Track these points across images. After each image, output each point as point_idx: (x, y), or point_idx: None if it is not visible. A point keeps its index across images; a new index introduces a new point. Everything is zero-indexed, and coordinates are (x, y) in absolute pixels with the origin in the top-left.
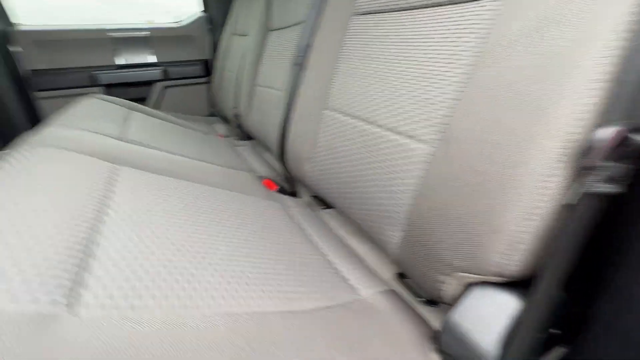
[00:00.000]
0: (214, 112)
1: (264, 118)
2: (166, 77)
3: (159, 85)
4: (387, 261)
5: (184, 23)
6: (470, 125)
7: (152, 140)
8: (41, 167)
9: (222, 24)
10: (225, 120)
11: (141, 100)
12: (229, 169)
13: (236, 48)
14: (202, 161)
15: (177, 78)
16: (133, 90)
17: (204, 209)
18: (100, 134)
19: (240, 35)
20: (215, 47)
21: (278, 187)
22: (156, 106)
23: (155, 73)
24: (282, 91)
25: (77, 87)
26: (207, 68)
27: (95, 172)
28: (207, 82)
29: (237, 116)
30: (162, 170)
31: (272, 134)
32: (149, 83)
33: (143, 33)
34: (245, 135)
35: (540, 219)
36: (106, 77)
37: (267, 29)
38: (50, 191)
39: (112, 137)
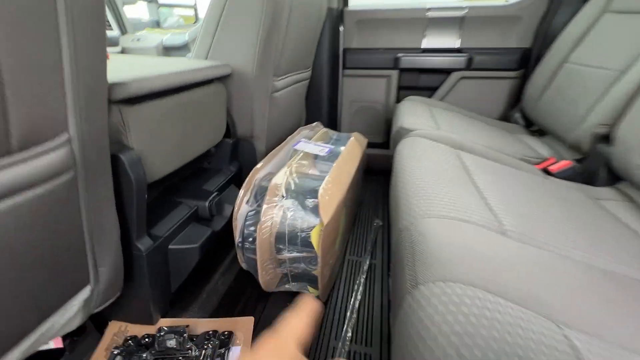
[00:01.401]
0: (513, 118)
1: None
2: (468, 66)
3: (456, 75)
4: None
5: (512, 1)
6: None
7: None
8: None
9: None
10: (540, 133)
11: (430, 89)
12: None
13: (622, 32)
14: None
15: (480, 69)
16: (426, 77)
17: None
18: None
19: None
20: (543, 32)
21: None
22: (448, 98)
23: (459, 60)
24: None
25: (377, 68)
26: (523, 59)
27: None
28: (516, 78)
29: (606, 139)
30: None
31: None
32: (446, 71)
33: (460, 12)
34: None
35: None
36: (408, 60)
37: None
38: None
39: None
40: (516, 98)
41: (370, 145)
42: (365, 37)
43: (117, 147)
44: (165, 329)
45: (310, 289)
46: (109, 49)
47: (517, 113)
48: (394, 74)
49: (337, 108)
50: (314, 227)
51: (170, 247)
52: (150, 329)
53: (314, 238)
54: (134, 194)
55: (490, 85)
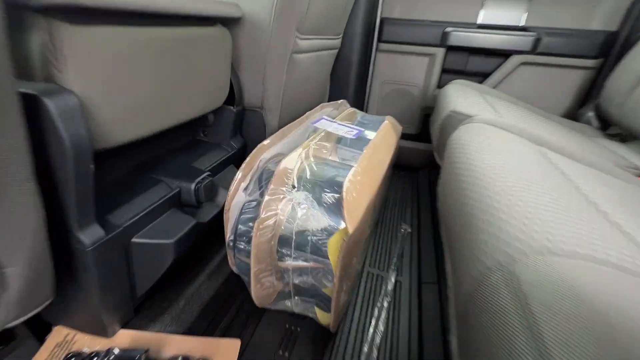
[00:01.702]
0: (583, 117)
1: None
2: (534, 48)
3: (516, 59)
4: None
5: None
6: None
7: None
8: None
9: None
10: (622, 139)
11: (482, 75)
12: None
13: None
14: None
15: (548, 53)
16: (476, 60)
17: None
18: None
19: None
20: (636, 13)
21: None
22: (501, 87)
23: (524, 41)
24: None
25: (419, 44)
26: (606, 45)
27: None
28: (592, 68)
29: None
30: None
31: None
32: (504, 54)
33: None
34: None
35: None
36: (459, 37)
37: None
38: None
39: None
40: (588, 93)
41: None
42: (409, 5)
43: (43, 88)
44: (116, 352)
45: (319, 312)
46: None
47: (590, 112)
48: (440, 52)
49: (366, 88)
50: (331, 230)
51: (133, 240)
52: (106, 343)
53: (333, 248)
54: (68, 160)
55: (557, 74)
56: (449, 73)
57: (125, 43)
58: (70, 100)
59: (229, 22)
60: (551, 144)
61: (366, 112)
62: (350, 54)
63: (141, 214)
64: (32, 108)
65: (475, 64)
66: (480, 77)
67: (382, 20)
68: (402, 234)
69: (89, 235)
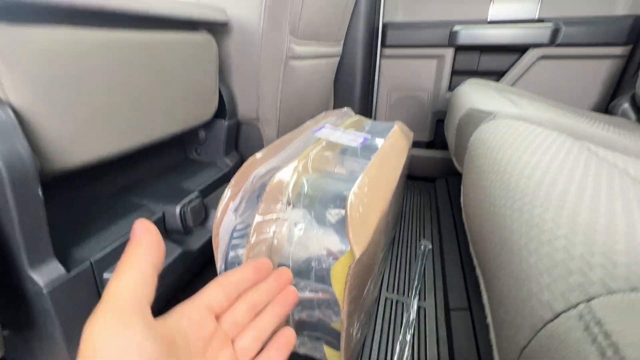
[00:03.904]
0: (619, 109)
1: None
2: (552, 40)
3: (534, 53)
4: None
5: None
6: None
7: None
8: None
9: None
10: None
11: (497, 74)
12: None
13: None
14: None
15: (569, 44)
16: (488, 59)
17: None
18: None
19: None
20: None
21: None
22: (519, 85)
23: (540, 34)
24: None
25: (426, 46)
26: (634, 30)
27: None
28: (621, 57)
29: None
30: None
31: None
32: (519, 50)
33: None
34: None
35: None
36: (468, 35)
37: None
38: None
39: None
40: (620, 84)
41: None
42: (412, 8)
43: None
44: None
45: (328, 351)
46: None
47: (626, 103)
48: (449, 52)
49: (372, 96)
50: (336, 254)
51: (105, 276)
52: None
53: (338, 276)
54: (4, 185)
55: (582, 66)
56: (460, 74)
57: (80, 47)
58: (3, 113)
59: (215, 28)
60: (596, 137)
61: (374, 119)
62: (353, 61)
63: (114, 245)
64: None
65: (489, 62)
66: (496, 76)
67: (385, 25)
68: (422, 252)
69: (45, 274)
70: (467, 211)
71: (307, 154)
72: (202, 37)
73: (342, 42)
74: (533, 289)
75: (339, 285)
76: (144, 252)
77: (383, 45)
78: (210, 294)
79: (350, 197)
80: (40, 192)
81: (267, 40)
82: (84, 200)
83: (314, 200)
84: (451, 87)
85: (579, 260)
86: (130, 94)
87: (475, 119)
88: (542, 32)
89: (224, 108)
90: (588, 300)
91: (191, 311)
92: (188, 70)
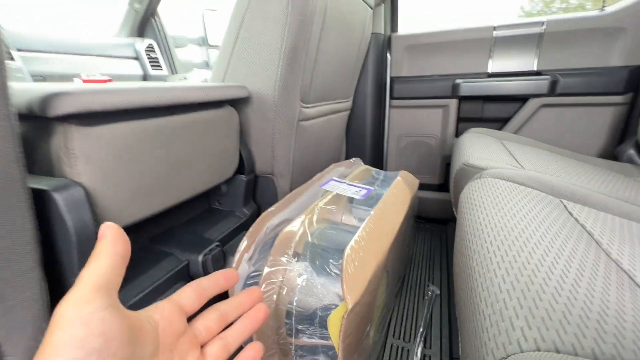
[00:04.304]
0: (624, 155)
1: None
2: (551, 91)
3: (535, 102)
4: None
5: (611, 10)
6: None
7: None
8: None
9: None
10: None
11: (501, 121)
12: None
13: None
14: None
15: (568, 94)
16: (493, 107)
17: None
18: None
19: None
20: None
21: None
22: (523, 132)
23: (539, 85)
24: None
25: (431, 98)
26: (632, 80)
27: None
28: (623, 104)
29: None
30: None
31: None
32: (521, 99)
33: (538, 29)
34: None
35: None
36: (470, 87)
37: None
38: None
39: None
40: (625, 129)
41: (422, 187)
42: (417, 63)
43: (54, 183)
44: None
45: None
46: None
47: (630, 149)
48: (452, 103)
49: (383, 143)
50: (337, 303)
51: None
52: None
53: (333, 324)
54: (72, 247)
55: (584, 113)
56: (467, 121)
57: (133, 136)
58: (77, 192)
59: (238, 102)
60: (575, 194)
61: (385, 165)
62: (363, 113)
63: (148, 290)
64: (43, 201)
65: (493, 110)
66: (500, 122)
67: (392, 79)
68: (429, 297)
69: None
70: (455, 260)
71: (313, 208)
72: (227, 112)
73: (352, 97)
74: (483, 339)
75: (335, 333)
76: (109, 244)
77: (391, 97)
78: (183, 294)
79: (347, 252)
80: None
81: (280, 108)
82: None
83: (316, 252)
84: (458, 133)
85: (508, 321)
86: (169, 164)
87: (468, 174)
88: (540, 84)
89: (243, 165)
90: (507, 357)
91: (163, 306)
92: (215, 138)
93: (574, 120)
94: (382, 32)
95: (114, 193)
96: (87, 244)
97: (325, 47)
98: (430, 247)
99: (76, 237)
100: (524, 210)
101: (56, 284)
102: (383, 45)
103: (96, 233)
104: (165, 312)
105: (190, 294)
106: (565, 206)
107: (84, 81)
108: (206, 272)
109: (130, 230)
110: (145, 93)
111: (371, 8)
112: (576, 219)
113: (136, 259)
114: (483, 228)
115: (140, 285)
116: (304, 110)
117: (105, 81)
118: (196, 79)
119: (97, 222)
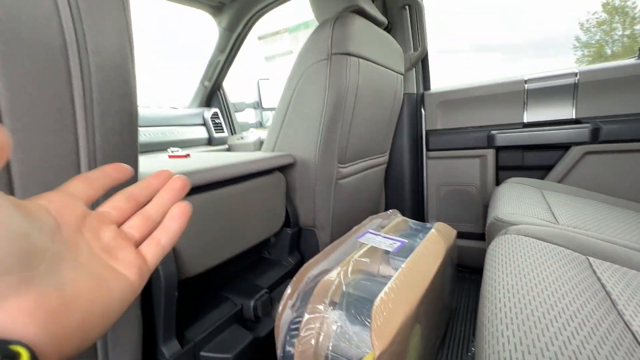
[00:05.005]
0: None
1: None
2: (594, 138)
3: (578, 150)
4: None
5: None
6: None
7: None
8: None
9: None
10: None
11: (544, 169)
12: None
13: None
14: None
15: (613, 140)
16: (534, 155)
17: None
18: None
19: None
20: None
21: None
22: (568, 180)
23: (579, 133)
24: None
25: (467, 149)
26: None
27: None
28: None
29: None
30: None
31: None
32: (562, 147)
33: (570, 80)
34: None
35: None
36: (506, 137)
37: None
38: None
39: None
40: None
41: (464, 235)
42: (450, 117)
43: None
44: None
45: None
46: (217, 147)
47: None
48: (489, 153)
49: (422, 193)
50: (368, 351)
51: (201, 353)
52: None
53: None
54: (162, 292)
55: (633, 159)
56: (507, 169)
57: (207, 204)
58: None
59: (285, 167)
60: (604, 250)
61: (426, 214)
62: (400, 164)
63: (210, 329)
64: None
65: (533, 158)
66: (543, 170)
67: (427, 132)
68: (472, 353)
69: (169, 349)
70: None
71: (349, 260)
72: (276, 177)
73: (388, 151)
74: None
75: None
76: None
77: (427, 149)
78: (70, 184)
79: (376, 302)
80: (176, 292)
81: (320, 170)
82: (190, 294)
83: (351, 302)
84: (498, 181)
85: None
86: (230, 223)
87: (497, 228)
88: (582, 132)
89: (289, 219)
90: None
91: (49, 194)
92: (267, 200)
93: (621, 167)
94: (415, 91)
95: (192, 248)
96: (171, 289)
97: (359, 113)
98: (477, 299)
99: (165, 285)
100: (542, 268)
101: (146, 321)
102: (416, 102)
103: (176, 282)
104: (52, 197)
105: (77, 184)
106: (590, 264)
107: (170, 157)
108: (256, 316)
109: (202, 277)
110: (216, 170)
111: (402, 75)
112: (598, 278)
113: (205, 301)
114: (500, 288)
115: (204, 325)
116: (340, 170)
117: (184, 156)
118: (252, 137)
119: (179, 272)
